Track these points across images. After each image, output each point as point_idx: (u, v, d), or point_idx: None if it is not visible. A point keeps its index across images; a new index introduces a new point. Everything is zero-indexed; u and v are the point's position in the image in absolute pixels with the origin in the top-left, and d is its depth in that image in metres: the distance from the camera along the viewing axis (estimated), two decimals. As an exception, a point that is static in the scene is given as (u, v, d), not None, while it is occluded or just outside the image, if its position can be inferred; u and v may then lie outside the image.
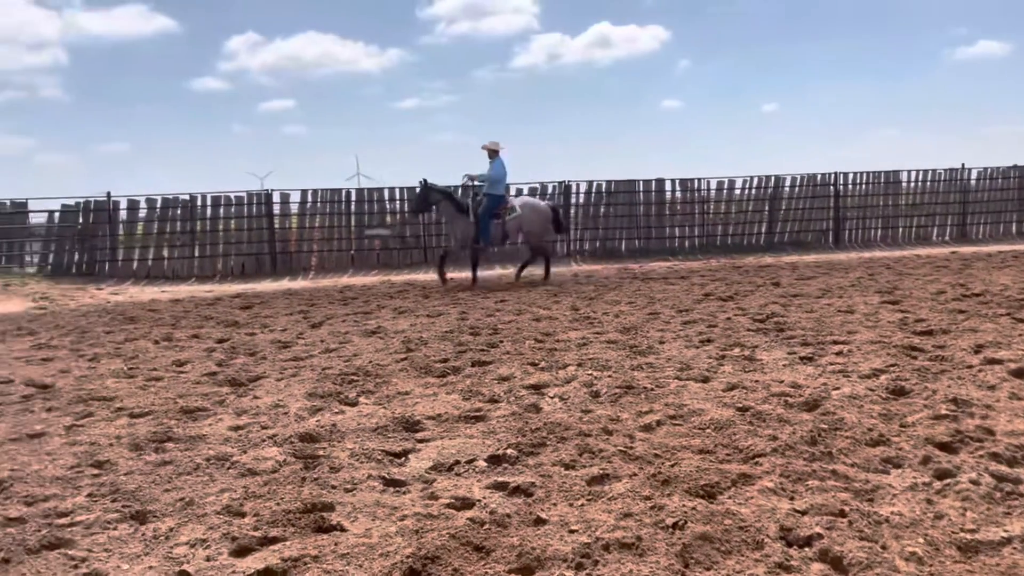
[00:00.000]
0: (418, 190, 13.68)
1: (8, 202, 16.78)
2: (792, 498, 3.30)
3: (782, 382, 5.27)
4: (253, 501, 3.49)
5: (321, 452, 4.17)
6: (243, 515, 3.36)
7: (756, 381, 5.32)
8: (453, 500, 3.46)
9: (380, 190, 17.85)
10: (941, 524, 2.99)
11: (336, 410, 5.05)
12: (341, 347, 7.28)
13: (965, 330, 6.83)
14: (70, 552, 3.04)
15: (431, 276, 14.88)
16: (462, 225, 12.93)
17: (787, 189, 19.02)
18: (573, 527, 3.10)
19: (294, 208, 17.54)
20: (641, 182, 18.66)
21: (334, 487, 3.65)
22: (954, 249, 16.59)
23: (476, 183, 13.27)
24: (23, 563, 2.95)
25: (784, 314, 8.17)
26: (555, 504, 3.37)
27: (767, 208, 19.02)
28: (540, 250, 13.59)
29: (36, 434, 4.69)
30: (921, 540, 2.85)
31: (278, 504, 3.42)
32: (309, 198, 17.48)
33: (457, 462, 3.97)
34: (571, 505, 3.35)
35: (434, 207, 13.57)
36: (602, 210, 18.59)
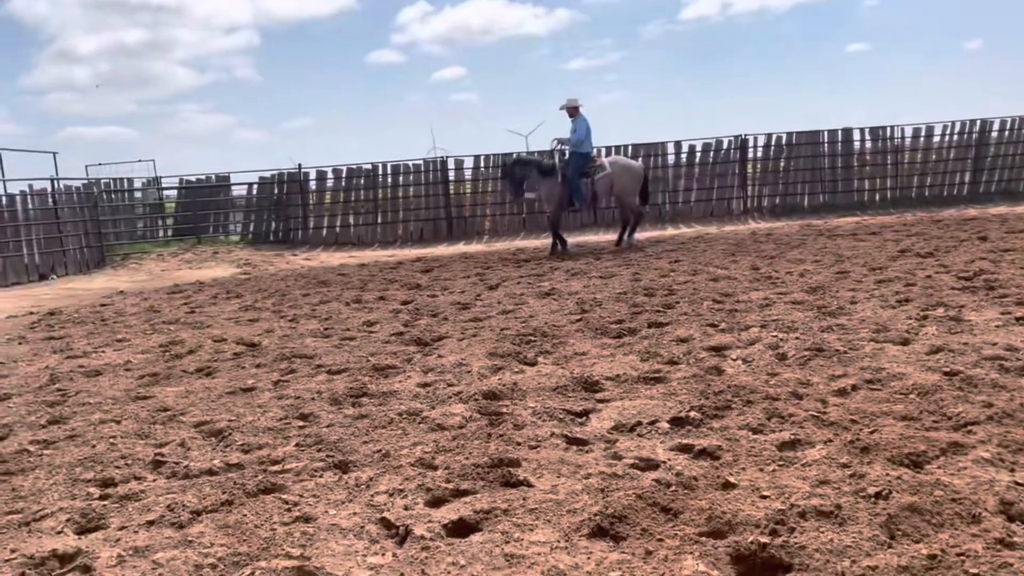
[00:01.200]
0: (504, 166, 13.45)
1: (213, 176, 18.41)
2: (1013, 470, 3.00)
3: (995, 344, 4.80)
4: (444, 455, 3.65)
5: (504, 409, 4.27)
6: (435, 468, 3.52)
7: (964, 344, 4.88)
8: (637, 460, 3.44)
9: (551, 153, 17.90)
10: None
11: (516, 369, 5.16)
12: (517, 308, 7.41)
13: None
14: (283, 496, 3.30)
15: (601, 237, 14.82)
16: (548, 187, 12.55)
17: (995, 134, 17.21)
18: (765, 492, 2.99)
19: (467, 174, 18.01)
20: (825, 132, 17.56)
21: (519, 444, 3.74)
22: None
23: (563, 146, 12.85)
24: (244, 505, 3.24)
25: (994, 271, 7.43)
26: (744, 469, 3.26)
27: (971, 155, 17.32)
28: (631, 210, 12.96)
29: (248, 388, 5.14)
30: None
31: (467, 458, 3.55)
32: (481, 164, 17.86)
33: (639, 423, 3.94)
34: (761, 470, 3.23)
35: (524, 181, 12.86)
36: (781, 164, 17.69)
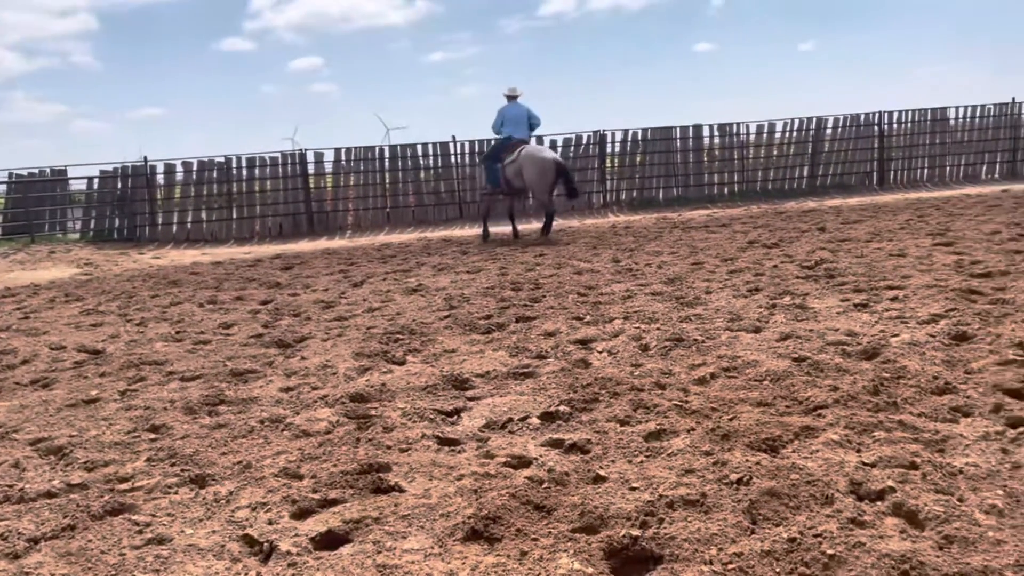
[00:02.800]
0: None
1: (48, 170, 17.00)
2: (859, 451, 3.20)
3: (837, 330, 5.13)
4: (310, 463, 3.49)
5: (373, 412, 4.16)
6: (301, 477, 3.36)
7: (810, 330, 5.18)
8: (509, 458, 3.42)
9: (413, 146, 17.72)
10: (1020, 474, 2.88)
11: (384, 369, 5.04)
12: (384, 306, 7.26)
13: (1025, 271, 6.59)
14: (134, 517, 3.06)
15: (467, 232, 14.81)
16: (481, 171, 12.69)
17: (829, 131, 18.51)
18: (634, 484, 3.04)
19: (328, 168, 17.52)
20: (678, 128, 18.29)
21: (389, 447, 3.64)
22: (1005, 187, 16.03)
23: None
24: (88, 529, 2.98)
25: (833, 260, 7.97)
26: (613, 461, 3.31)
27: (809, 151, 18.56)
28: (541, 205, 12.86)
29: (91, 399, 4.75)
30: (1000, 492, 2.75)
31: (335, 465, 3.41)
32: (343, 157, 17.43)
33: (510, 419, 3.93)
34: (630, 462, 3.29)
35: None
36: (638, 159, 18.29)
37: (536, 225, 13.58)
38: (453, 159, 17.68)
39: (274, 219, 17.02)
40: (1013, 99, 18.68)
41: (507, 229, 13.05)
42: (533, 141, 13.78)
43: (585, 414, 3.94)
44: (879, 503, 2.74)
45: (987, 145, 18.73)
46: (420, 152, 17.68)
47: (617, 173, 18.33)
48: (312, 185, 17.26)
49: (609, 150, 18.23)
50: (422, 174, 17.84)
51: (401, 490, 3.18)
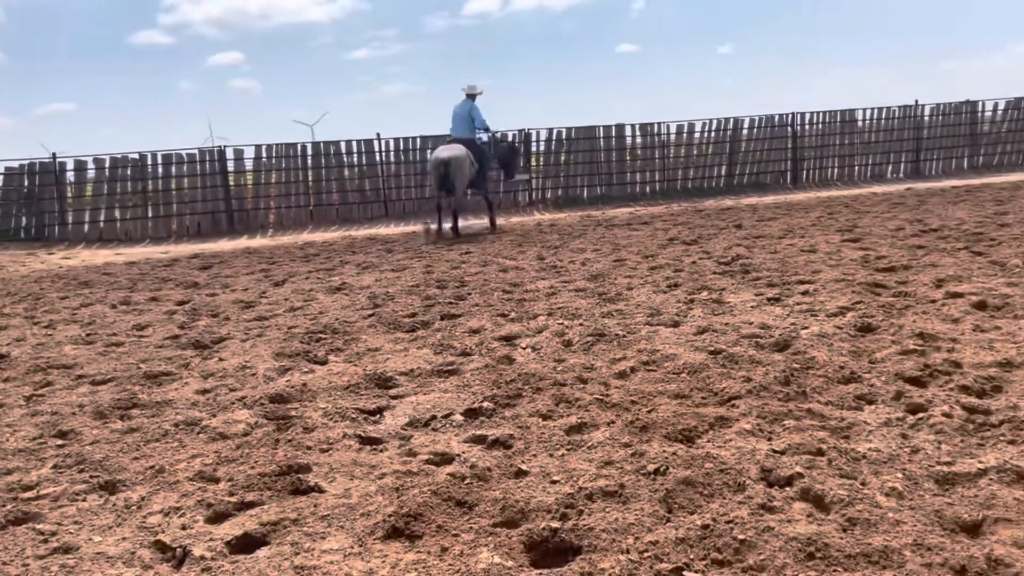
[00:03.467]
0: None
1: (-54, 167, 16.10)
2: (770, 439, 3.32)
3: (751, 323, 5.30)
4: (227, 466, 3.42)
5: (293, 412, 4.09)
6: (217, 481, 3.29)
7: (726, 324, 5.34)
8: (432, 456, 3.42)
9: (337, 143, 17.48)
10: (918, 458, 3.03)
11: (305, 369, 4.96)
12: (306, 305, 7.15)
13: (925, 265, 6.93)
14: (38, 526, 2.94)
15: (392, 230, 14.70)
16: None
17: (745, 131, 19.04)
18: (555, 477, 3.08)
19: (248, 165, 17.11)
20: (601, 128, 18.52)
21: (309, 448, 3.59)
22: (909, 185, 16.81)
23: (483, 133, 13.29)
24: (-10, 540, 2.84)
25: (748, 256, 8.22)
26: (535, 455, 3.35)
27: (726, 151, 19.06)
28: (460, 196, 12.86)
29: (-6, 407, 4.53)
30: (900, 475, 2.89)
31: (252, 468, 3.35)
32: (264, 154, 17.05)
33: (433, 417, 3.92)
34: (551, 456, 3.33)
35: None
36: (563, 158, 18.46)
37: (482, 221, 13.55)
38: (378, 156, 17.50)
39: (192, 217, 16.53)
40: (916, 101, 19.59)
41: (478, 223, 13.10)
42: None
43: (508, 410, 3.97)
44: (788, 489, 2.85)
45: (892, 146, 19.57)
46: (344, 149, 17.44)
47: (542, 172, 18.46)
48: (232, 183, 16.83)
49: (534, 149, 18.35)
50: (346, 172, 17.61)
51: (321, 490, 3.14)
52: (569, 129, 18.36)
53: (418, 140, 17.76)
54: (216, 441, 3.76)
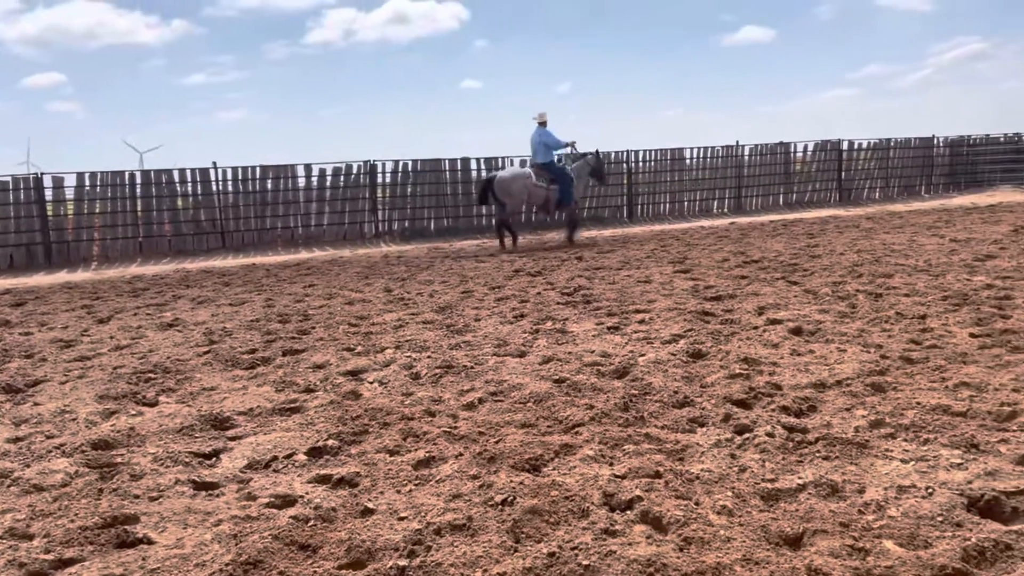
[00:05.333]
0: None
1: None
2: (612, 464, 3.43)
3: (593, 352, 5.48)
4: (42, 520, 3.12)
5: (119, 459, 3.81)
6: (31, 537, 2.99)
7: (569, 353, 5.49)
8: (273, 499, 3.28)
9: (169, 172, 16.61)
10: (745, 476, 3.23)
11: (133, 412, 4.64)
12: (134, 343, 6.70)
13: (748, 294, 7.45)
14: None
15: (231, 262, 14.11)
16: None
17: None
18: (402, 514, 3.03)
19: (70, 193, 15.90)
20: (447, 161, 18.68)
21: (137, 497, 3.35)
22: (732, 220, 18.06)
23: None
24: None
25: (589, 286, 8.52)
26: (382, 492, 3.29)
27: (568, 185, 19.72)
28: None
29: None
30: (729, 493, 3.07)
31: (72, 521, 3.08)
32: (87, 182, 15.91)
33: (274, 458, 3.77)
34: (399, 492, 3.28)
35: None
36: (409, 189, 18.45)
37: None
38: (214, 186, 16.79)
39: (3, 250, 15.13)
40: (737, 142, 21.16)
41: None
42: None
43: (354, 446, 3.88)
44: (629, 512, 2.95)
45: (717, 183, 21.00)
46: (177, 178, 16.60)
47: (389, 203, 18.36)
48: (51, 212, 15.57)
49: (380, 180, 18.23)
50: (179, 201, 16.75)
51: (150, 542, 2.93)
52: (415, 161, 18.40)
53: (257, 170, 17.20)
54: (30, 494, 3.43)
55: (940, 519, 2.75)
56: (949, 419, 3.75)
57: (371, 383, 5.07)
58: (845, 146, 22.44)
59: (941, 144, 24.02)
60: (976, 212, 15.70)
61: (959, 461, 3.26)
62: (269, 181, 17.28)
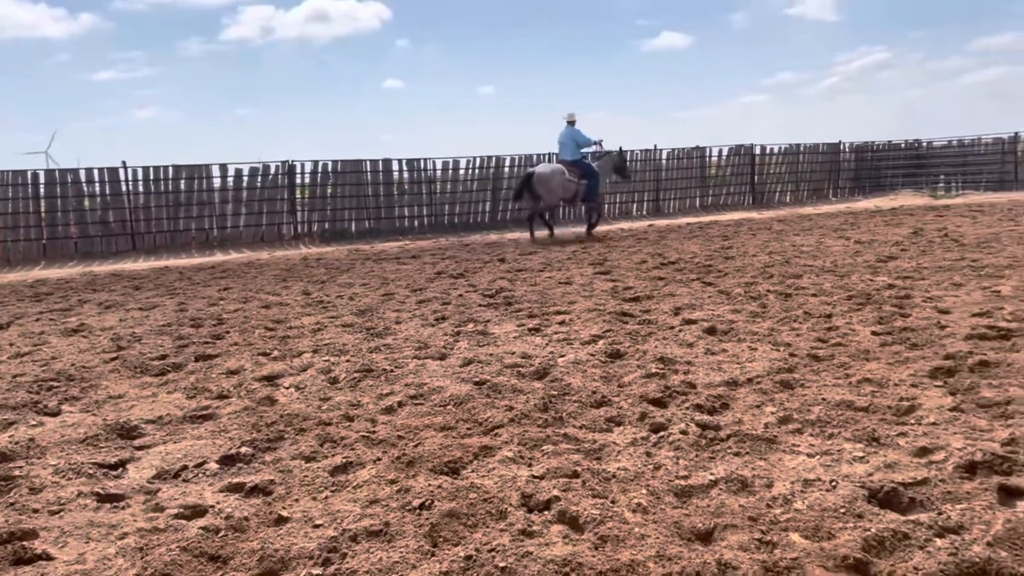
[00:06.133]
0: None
1: None
2: (531, 465, 3.45)
3: (514, 353, 5.50)
4: (-72, 541, 2.94)
5: (17, 472, 3.62)
6: (-86, 560, 2.82)
7: (490, 354, 5.50)
8: (182, 509, 3.17)
9: (76, 171, 15.93)
10: (659, 474, 3.30)
11: (33, 422, 4.42)
12: (36, 350, 6.39)
13: (665, 295, 7.61)
14: None
15: (141, 265, 13.62)
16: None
17: (507, 169, 19.90)
18: (318, 521, 2.98)
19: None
20: (368, 162, 18.49)
21: (36, 511, 3.19)
22: (651, 222, 18.42)
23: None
24: None
25: (511, 288, 8.55)
26: (297, 500, 3.22)
27: (490, 187, 19.78)
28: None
29: None
30: (644, 491, 3.12)
31: (-38, 541, 2.91)
32: (-17, 180, 15.12)
33: (184, 467, 3.65)
34: (314, 499, 3.22)
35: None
36: (329, 190, 18.17)
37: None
38: (124, 187, 16.18)
39: None
40: (655, 146, 21.61)
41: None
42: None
43: (269, 454, 3.79)
44: (546, 512, 2.97)
45: (636, 186, 21.40)
46: (84, 178, 15.94)
47: (308, 204, 18.05)
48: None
49: (299, 181, 17.90)
50: (87, 202, 16.08)
51: (50, 558, 2.80)
52: (335, 162, 18.14)
53: (170, 169, 16.67)
54: (-86, 513, 3.23)
55: (843, 511, 2.86)
56: (852, 414, 3.91)
57: (287, 388, 4.96)
58: (758, 151, 23.19)
59: (847, 150, 25.08)
60: (879, 215, 16.45)
61: (861, 454, 3.40)
62: (183, 181, 16.77)
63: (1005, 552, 2.50)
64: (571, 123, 14.84)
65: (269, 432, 4.06)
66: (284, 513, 3.07)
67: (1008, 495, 2.94)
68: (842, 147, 24.90)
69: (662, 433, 3.77)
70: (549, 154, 20.27)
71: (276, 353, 5.90)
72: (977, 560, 2.44)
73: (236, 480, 3.46)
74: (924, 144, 25.63)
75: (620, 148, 16.28)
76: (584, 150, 14.95)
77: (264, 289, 9.54)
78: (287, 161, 17.61)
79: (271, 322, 7.17)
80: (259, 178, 17.48)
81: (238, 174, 17.39)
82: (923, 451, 3.38)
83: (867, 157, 25.54)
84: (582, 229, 15.93)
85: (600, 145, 15.33)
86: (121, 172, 16.12)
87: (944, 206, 17.88)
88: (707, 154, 22.43)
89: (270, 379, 5.19)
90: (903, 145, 25.80)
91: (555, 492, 3.10)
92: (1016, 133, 22.76)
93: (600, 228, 16.36)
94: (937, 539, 2.61)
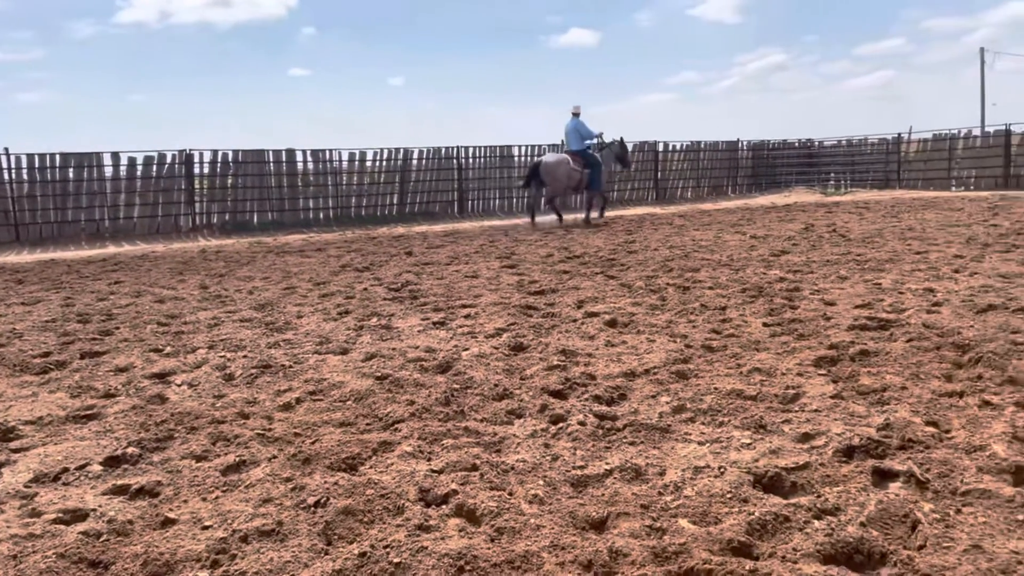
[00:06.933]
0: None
1: None
2: (430, 459, 3.44)
3: (417, 348, 5.47)
4: None
5: None
6: None
7: (393, 349, 5.45)
8: (61, 514, 3.02)
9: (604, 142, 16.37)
10: (557, 465, 3.34)
11: None
12: (-99, 348, 5.95)
13: (569, 288, 7.72)
14: None
15: (26, 258, 12.88)
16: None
17: (415, 161, 19.76)
18: (207, 523, 2.89)
19: None
20: (271, 152, 18.04)
21: None
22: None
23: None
24: None
25: (417, 282, 8.50)
26: (186, 501, 3.11)
27: (398, 180, 19.60)
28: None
29: None
30: (541, 482, 3.15)
31: None
32: None
33: (65, 469, 3.47)
34: (204, 499, 3.12)
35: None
36: (229, 181, 17.62)
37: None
38: (6, 175, 15.26)
39: None
40: (563, 142, 21.83)
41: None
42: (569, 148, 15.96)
43: (157, 454, 3.65)
44: (444, 506, 2.97)
45: (545, 180, 21.60)
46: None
47: (207, 195, 17.45)
48: None
49: (197, 171, 17.28)
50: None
51: (-90, 572, 2.61)
52: (236, 152, 17.60)
53: (57, 157, 15.82)
54: None
55: (729, 496, 2.96)
56: (742, 403, 4.06)
57: (179, 386, 4.79)
58: (661, 147, 23.78)
59: (745, 148, 26.02)
60: (774, 211, 17.13)
61: (748, 441, 3.54)
62: (71, 170, 15.95)
63: (876, 532, 2.64)
64: (576, 115, 15.56)
65: (158, 431, 3.90)
66: (171, 515, 2.96)
67: (881, 477, 3.11)
68: (740, 145, 25.81)
69: (561, 424, 3.82)
70: (459, 147, 20.19)
71: (169, 349, 5.69)
72: (851, 540, 2.58)
73: (121, 482, 3.31)
74: (816, 143, 26.85)
75: (621, 138, 16.91)
76: (587, 141, 15.63)
77: (158, 283, 9.18)
78: (184, 150, 16.97)
79: (165, 317, 6.91)
80: (154, 167, 16.80)
81: (131, 163, 16.67)
82: (805, 437, 3.54)
83: (764, 155, 26.56)
84: (593, 215, 16.65)
85: (601, 138, 16.03)
86: (2, 160, 15.20)
87: (834, 203, 18.77)
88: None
89: (161, 376, 5.00)
90: (797, 144, 26.95)
91: (453, 486, 3.09)
92: (899, 134, 24.12)
93: (507, 222, 16.50)
94: (815, 520, 2.74)
